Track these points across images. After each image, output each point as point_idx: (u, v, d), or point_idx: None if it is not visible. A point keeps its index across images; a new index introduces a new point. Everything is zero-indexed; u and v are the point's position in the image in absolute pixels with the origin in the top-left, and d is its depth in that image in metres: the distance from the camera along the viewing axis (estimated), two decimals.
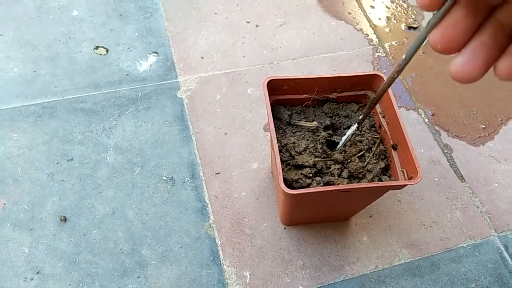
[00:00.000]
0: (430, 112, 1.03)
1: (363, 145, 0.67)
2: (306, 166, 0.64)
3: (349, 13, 1.22)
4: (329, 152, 0.66)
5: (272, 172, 0.90)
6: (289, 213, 0.78)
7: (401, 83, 1.08)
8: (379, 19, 1.22)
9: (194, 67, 1.07)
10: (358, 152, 0.66)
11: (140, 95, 1.01)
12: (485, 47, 0.21)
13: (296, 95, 0.72)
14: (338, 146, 0.65)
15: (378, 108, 0.71)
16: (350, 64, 1.10)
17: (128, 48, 1.09)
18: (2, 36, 1.08)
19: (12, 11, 1.13)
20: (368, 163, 0.66)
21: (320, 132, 0.69)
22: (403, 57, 0.36)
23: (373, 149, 0.68)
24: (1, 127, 0.93)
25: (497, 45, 0.21)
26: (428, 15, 1.19)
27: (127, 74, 1.04)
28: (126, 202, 0.85)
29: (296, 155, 0.65)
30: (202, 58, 1.09)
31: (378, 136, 0.70)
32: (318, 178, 0.63)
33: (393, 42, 1.16)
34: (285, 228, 0.84)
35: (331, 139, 0.69)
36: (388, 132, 0.68)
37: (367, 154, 0.67)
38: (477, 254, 0.84)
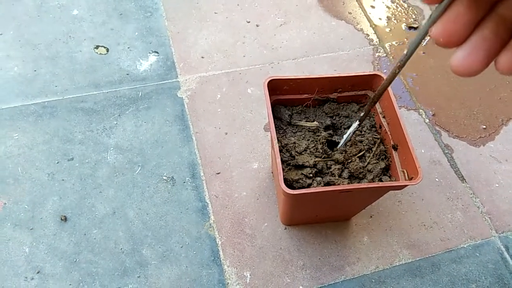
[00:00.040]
0: (430, 112, 1.03)
1: (364, 145, 0.67)
2: (306, 166, 0.64)
3: (350, 13, 1.22)
4: (330, 152, 0.66)
5: (272, 172, 0.90)
6: (290, 213, 0.78)
7: (401, 83, 1.08)
8: (380, 19, 1.22)
9: (194, 67, 1.07)
10: (359, 152, 0.66)
11: (140, 94, 1.01)
12: (487, 41, 0.21)
13: (297, 95, 0.72)
14: (340, 145, 0.65)
15: (378, 108, 0.71)
16: (350, 64, 1.10)
17: (129, 47, 1.09)
18: (2, 35, 1.08)
19: (12, 10, 1.13)
20: (368, 163, 0.66)
21: (321, 132, 0.69)
22: (405, 52, 0.36)
23: (374, 149, 0.67)
24: (1, 127, 0.93)
25: (499, 39, 0.21)
26: (429, 15, 1.19)
27: (127, 74, 1.04)
28: (126, 201, 0.85)
29: (297, 155, 0.65)
30: (202, 57, 1.09)
31: (379, 136, 0.70)
32: (318, 178, 0.63)
33: (394, 42, 1.16)
34: (285, 228, 0.84)
35: (332, 139, 0.69)
36: (389, 132, 0.68)
37: (368, 154, 0.67)
38: (477, 254, 0.83)
